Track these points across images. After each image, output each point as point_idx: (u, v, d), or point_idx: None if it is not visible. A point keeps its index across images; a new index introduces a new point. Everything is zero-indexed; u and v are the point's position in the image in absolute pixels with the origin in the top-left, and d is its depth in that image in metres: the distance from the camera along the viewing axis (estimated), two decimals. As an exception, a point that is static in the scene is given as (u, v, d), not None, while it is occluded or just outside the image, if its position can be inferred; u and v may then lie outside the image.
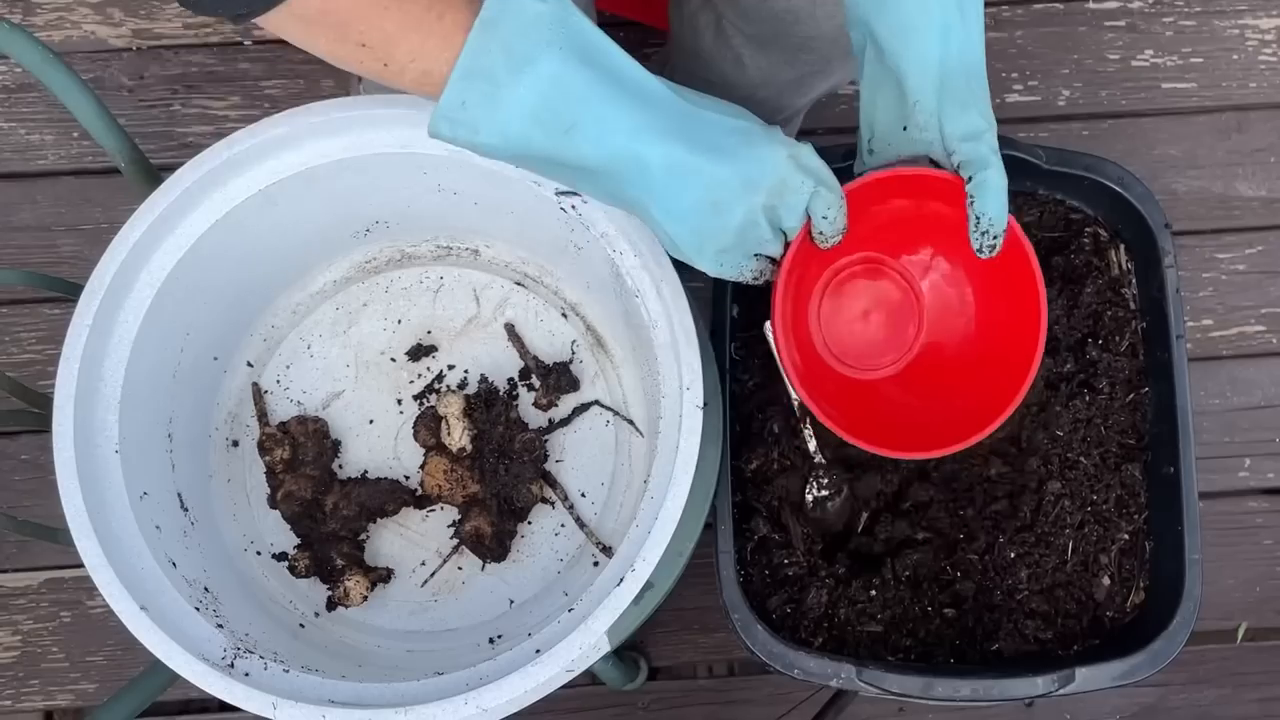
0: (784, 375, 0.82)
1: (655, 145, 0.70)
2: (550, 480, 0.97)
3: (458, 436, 0.94)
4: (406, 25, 0.68)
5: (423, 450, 0.97)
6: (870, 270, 0.86)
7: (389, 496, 0.96)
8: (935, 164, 0.77)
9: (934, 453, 0.83)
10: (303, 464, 0.96)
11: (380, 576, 0.96)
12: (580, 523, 0.97)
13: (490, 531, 0.94)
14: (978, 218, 0.76)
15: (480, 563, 0.97)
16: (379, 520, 0.97)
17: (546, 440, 0.98)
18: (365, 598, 0.94)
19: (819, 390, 0.83)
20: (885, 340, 0.88)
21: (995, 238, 0.77)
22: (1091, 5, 1.49)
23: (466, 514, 0.95)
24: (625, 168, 0.71)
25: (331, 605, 0.96)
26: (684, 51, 1.08)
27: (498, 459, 0.95)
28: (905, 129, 0.76)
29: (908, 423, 0.87)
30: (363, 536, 0.98)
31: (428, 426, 0.97)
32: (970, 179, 0.75)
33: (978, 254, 0.78)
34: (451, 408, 0.95)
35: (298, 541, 0.98)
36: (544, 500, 0.97)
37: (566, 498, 0.97)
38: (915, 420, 0.87)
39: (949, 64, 0.74)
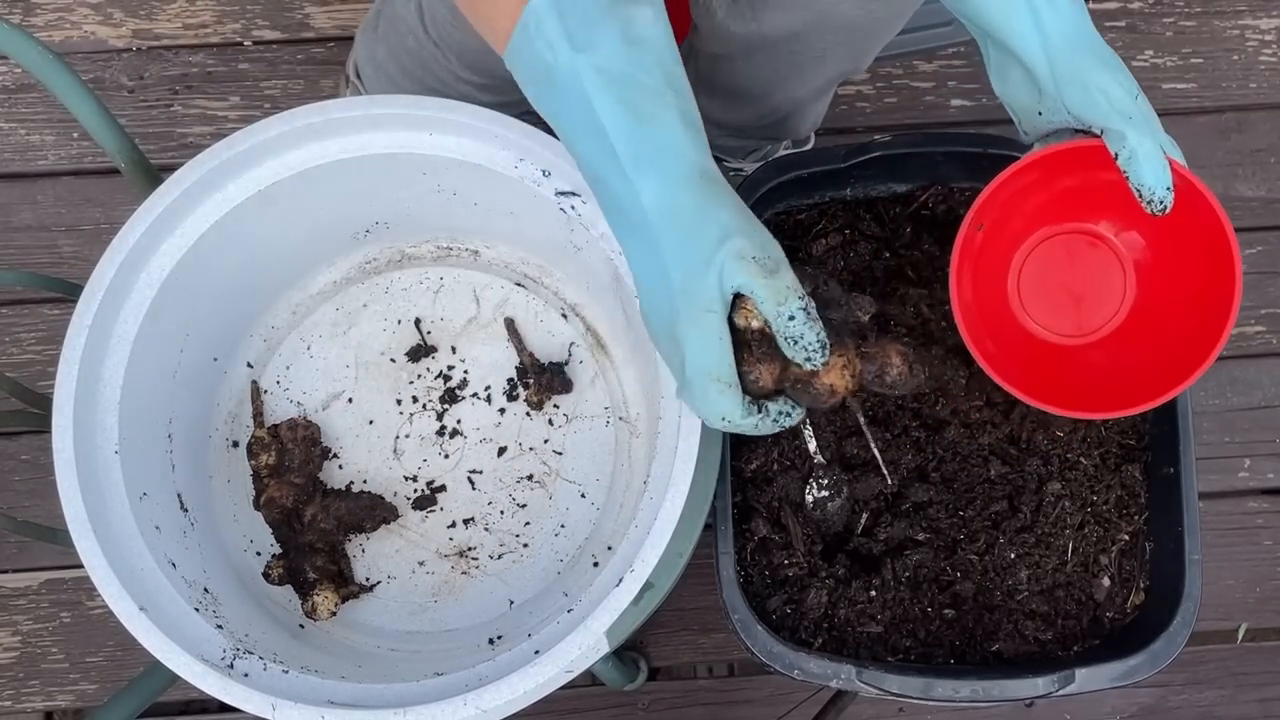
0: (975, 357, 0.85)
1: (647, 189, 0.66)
2: None
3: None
4: None
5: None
6: (1068, 241, 0.91)
7: (368, 514, 0.96)
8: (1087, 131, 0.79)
9: (1136, 408, 0.85)
10: (288, 470, 0.96)
11: (352, 593, 0.95)
12: None
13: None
14: (1138, 189, 0.77)
15: (480, 563, 0.97)
16: (364, 532, 0.97)
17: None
18: (334, 613, 0.94)
19: (1002, 361, 0.87)
20: (1090, 306, 0.92)
21: (1162, 201, 0.77)
22: (1091, 5, 1.49)
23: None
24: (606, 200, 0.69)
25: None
26: (700, 33, 1.09)
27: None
28: (1040, 114, 0.78)
29: (1095, 385, 0.90)
30: (354, 543, 0.97)
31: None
32: (1117, 155, 0.75)
33: (1151, 214, 0.78)
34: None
35: (278, 548, 0.98)
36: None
37: None
38: (1103, 380, 0.91)
39: (1052, 45, 0.74)
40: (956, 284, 0.85)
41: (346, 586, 0.95)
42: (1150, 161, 0.75)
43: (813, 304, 0.68)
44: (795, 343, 0.67)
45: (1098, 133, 0.77)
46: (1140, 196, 0.77)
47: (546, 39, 0.64)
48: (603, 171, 0.67)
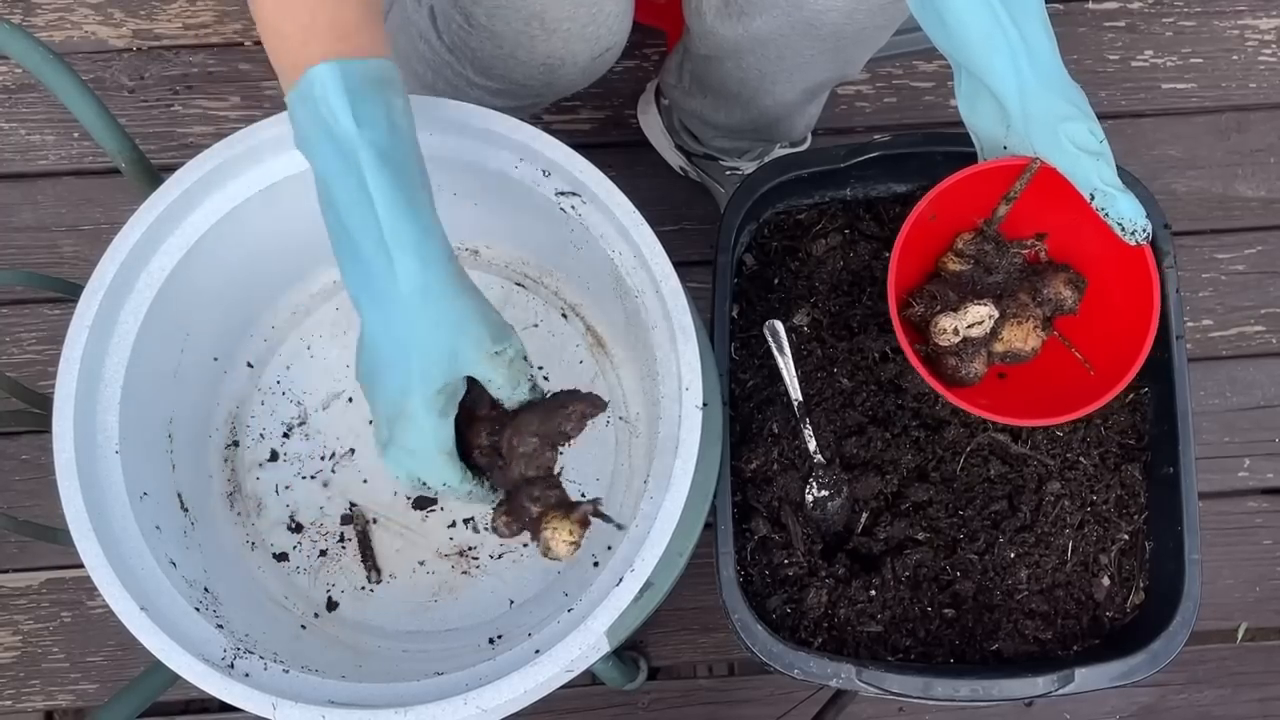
0: (911, 360, 0.87)
1: (361, 297, 0.70)
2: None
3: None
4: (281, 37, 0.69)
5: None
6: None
7: (562, 414, 0.77)
8: None
9: (1057, 419, 0.89)
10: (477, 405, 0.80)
11: (584, 515, 0.77)
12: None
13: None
14: (1119, 223, 0.79)
15: (480, 562, 0.97)
16: (570, 438, 0.80)
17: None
18: (576, 545, 0.77)
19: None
20: None
21: (1145, 230, 0.80)
22: (1091, 5, 1.49)
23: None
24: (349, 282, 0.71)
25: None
26: (692, 34, 1.09)
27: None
28: (1005, 147, 0.81)
29: (1019, 394, 0.93)
30: (558, 470, 0.81)
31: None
32: (1092, 196, 0.78)
33: (1134, 244, 0.81)
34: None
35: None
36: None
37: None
38: (1025, 392, 0.93)
39: (1026, 88, 0.78)
40: (895, 275, 0.86)
41: (576, 509, 0.78)
42: (1126, 196, 0.78)
43: (533, 377, 0.74)
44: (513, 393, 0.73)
45: (1066, 175, 0.80)
46: (1123, 229, 0.79)
47: (329, 106, 0.67)
48: (363, 244, 0.68)
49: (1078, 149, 0.77)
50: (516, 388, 0.72)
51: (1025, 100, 0.78)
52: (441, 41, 1.02)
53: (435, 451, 0.71)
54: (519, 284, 1.03)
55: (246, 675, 0.80)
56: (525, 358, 0.73)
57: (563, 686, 0.79)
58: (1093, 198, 0.78)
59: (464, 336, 0.69)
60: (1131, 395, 1.01)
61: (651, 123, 1.40)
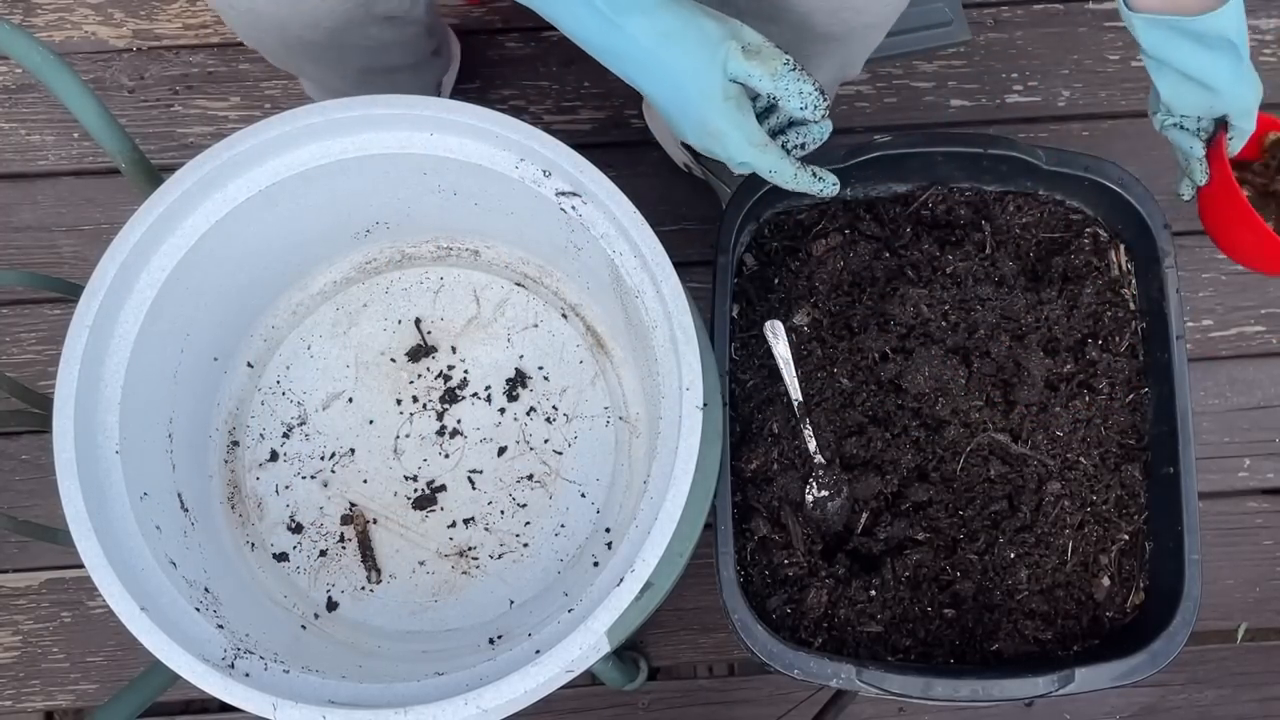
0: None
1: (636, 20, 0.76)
2: None
3: None
4: None
5: None
6: None
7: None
8: None
9: None
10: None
11: None
12: None
13: None
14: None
15: (480, 563, 0.97)
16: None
17: None
18: None
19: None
20: None
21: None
22: (1091, 5, 1.49)
23: None
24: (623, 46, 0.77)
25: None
26: None
27: None
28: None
29: None
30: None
31: None
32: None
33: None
34: None
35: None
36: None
37: None
38: None
39: (1145, 55, 0.90)
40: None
41: None
42: (1189, 166, 0.91)
43: (800, 66, 0.78)
44: (799, 96, 0.78)
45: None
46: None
47: None
48: (597, 36, 0.77)
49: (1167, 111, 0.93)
50: (775, 75, 0.77)
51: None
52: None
53: (749, 146, 0.79)
54: (519, 284, 1.03)
55: (246, 675, 0.80)
56: (775, 57, 0.78)
57: (563, 687, 0.79)
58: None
59: (715, 47, 0.77)
60: (1132, 395, 1.01)
61: (657, 119, 1.40)
